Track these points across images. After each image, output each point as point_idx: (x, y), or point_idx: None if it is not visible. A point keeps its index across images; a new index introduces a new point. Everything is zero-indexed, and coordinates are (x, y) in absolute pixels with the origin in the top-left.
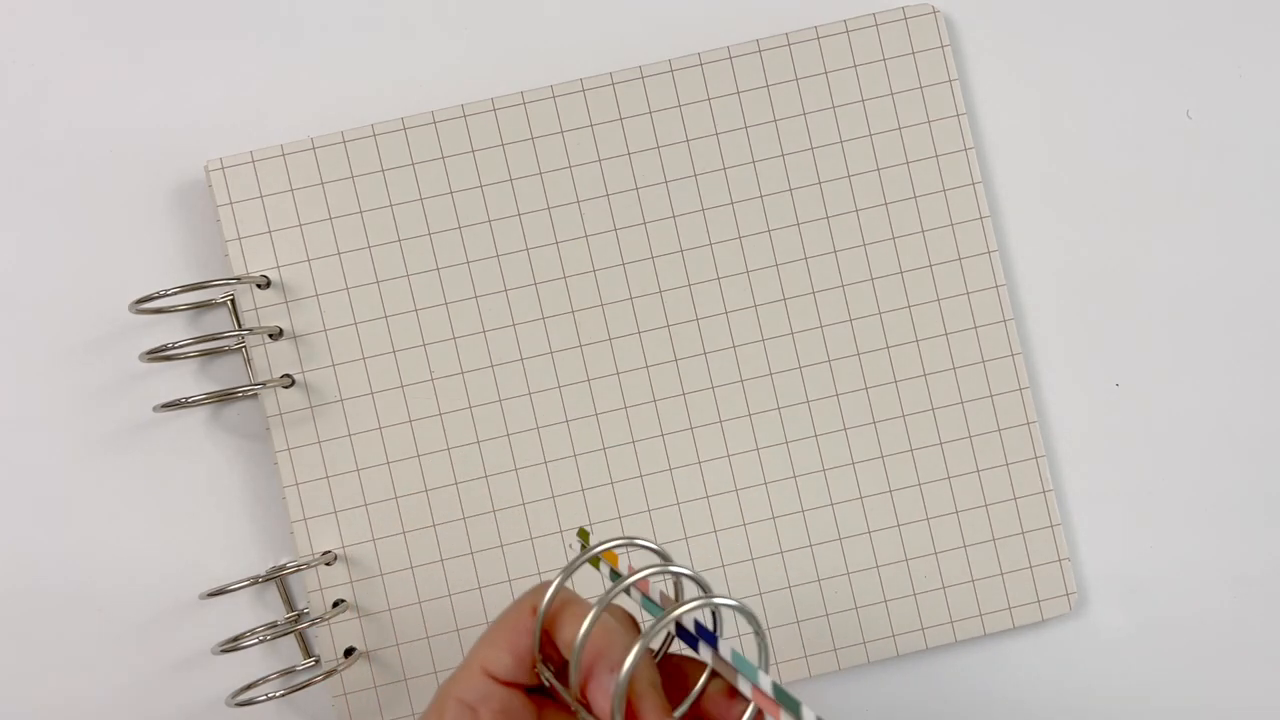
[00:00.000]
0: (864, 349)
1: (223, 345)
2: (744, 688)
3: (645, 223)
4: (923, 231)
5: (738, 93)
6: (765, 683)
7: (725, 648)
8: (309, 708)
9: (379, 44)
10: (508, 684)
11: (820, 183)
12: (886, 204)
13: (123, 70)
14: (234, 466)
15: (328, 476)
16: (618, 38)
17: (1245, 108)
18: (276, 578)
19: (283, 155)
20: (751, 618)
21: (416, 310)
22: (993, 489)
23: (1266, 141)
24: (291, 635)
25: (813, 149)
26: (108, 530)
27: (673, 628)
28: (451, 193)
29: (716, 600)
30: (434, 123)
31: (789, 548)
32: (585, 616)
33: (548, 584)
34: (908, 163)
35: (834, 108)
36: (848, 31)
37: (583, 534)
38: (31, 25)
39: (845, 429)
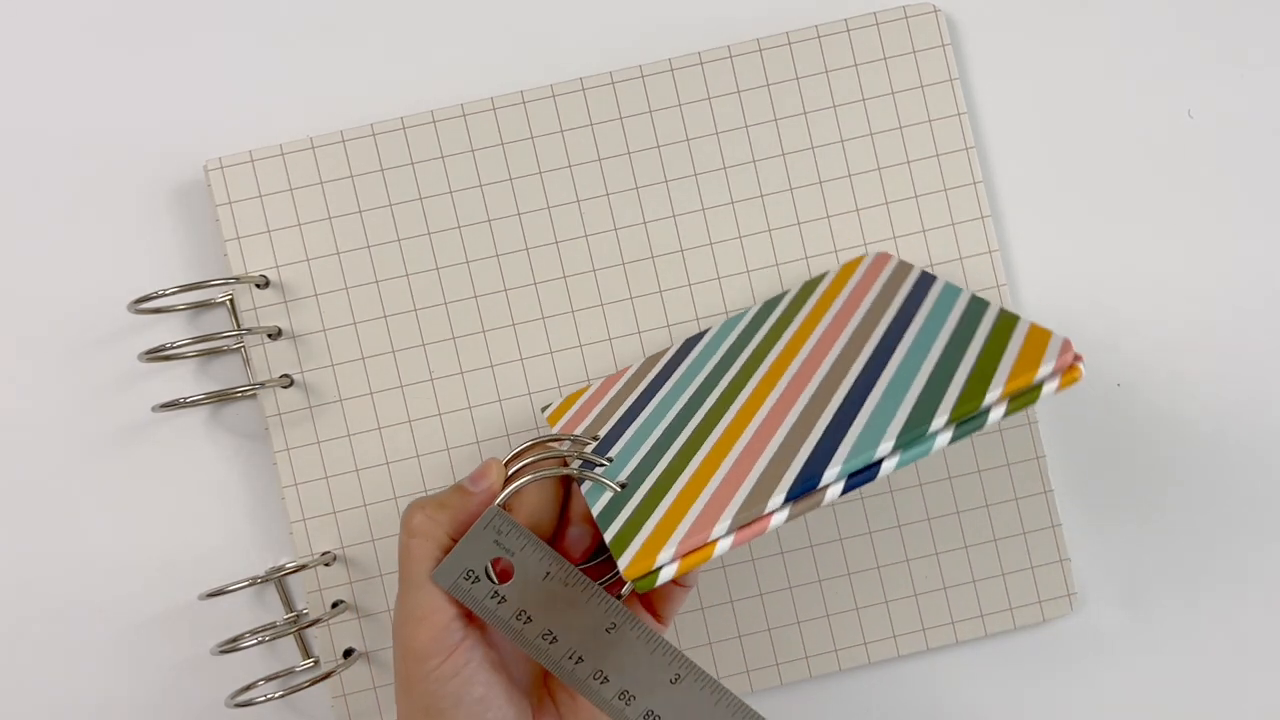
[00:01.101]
0: None
1: (221, 345)
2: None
3: (645, 222)
4: (924, 231)
5: (738, 92)
6: (596, 509)
7: (585, 488)
8: (308, 709)
9: (378, 43)
10: None
11: (821, 182)
12: (888, 203)
13: (123, 70)
14: (233, 467)
15: (327, 477)
16: (618, 38)
17: (1247, 107)
18: (275, 578)
19: (281, 155)
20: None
21: (416, 310)
22: (993, 489)
23: (1268, 141)
24: (290, 636)
25: (813, 148)
26: (107, 530)
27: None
28: (451, 192)
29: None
30: (433, 122)
31: (789, 548)
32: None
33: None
34: (909, 162)
35: (835, 107)
36: (848, 30)
37: (544, 408)
38: (32, 25)
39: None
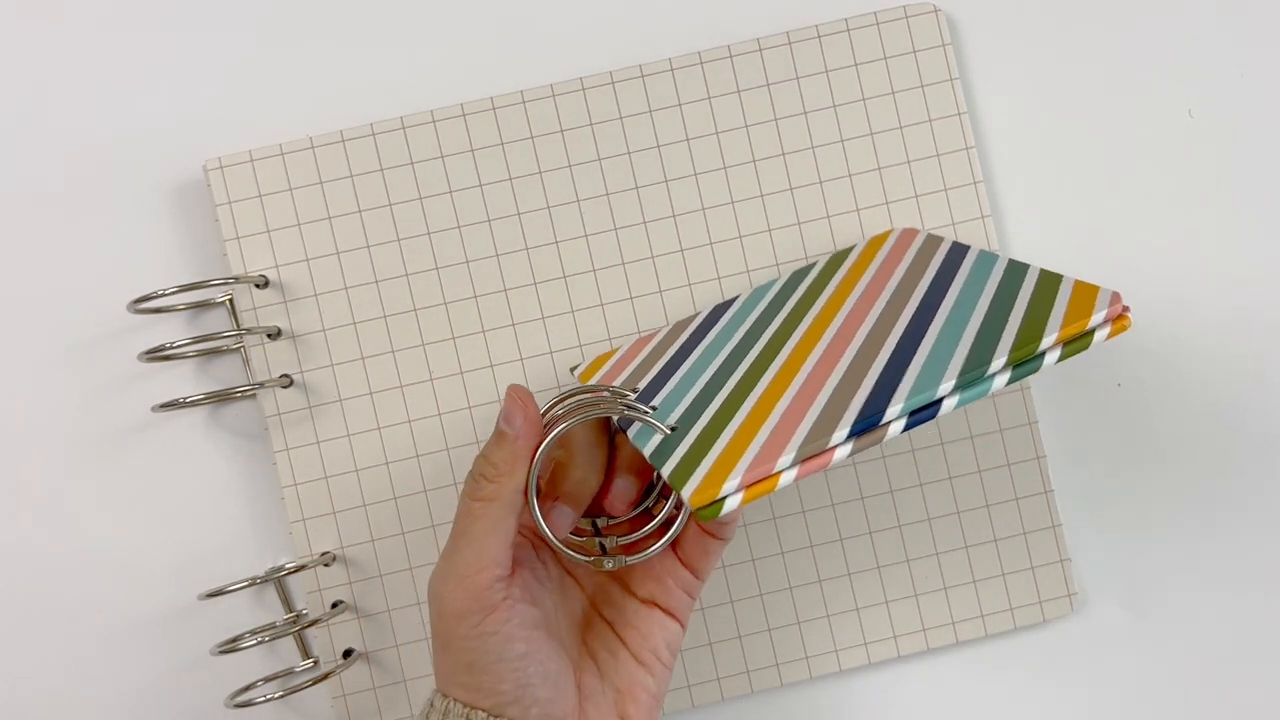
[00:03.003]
0: None
1: (221, 345)
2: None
3: (645, 222)
4: (924, 231)
5: (738, 92)
6: (647, 450)
7: (632, 432)
8: (308, 709)
9: (378, 43)
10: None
11: (821, 182)
12: (888, 203)
13: (122, 70)
14: (232, 467)
15: (326, 477)
16: (618, 38)
17: (1247, 107)
18: (275, 579)
19: (281, 154)
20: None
21: (415, 310)
22: (994, 489)
23: (1268, 140)
24: (290, 636)
25: (813, 148)
26: (107, 530)
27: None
28: (451, 192)
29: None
30: (433, 121)
31: (790, 548)
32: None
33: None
34: (909, 162)
35: (835, 106)
36: (849, 30)
37: (573, 369)
38: (31, 25)
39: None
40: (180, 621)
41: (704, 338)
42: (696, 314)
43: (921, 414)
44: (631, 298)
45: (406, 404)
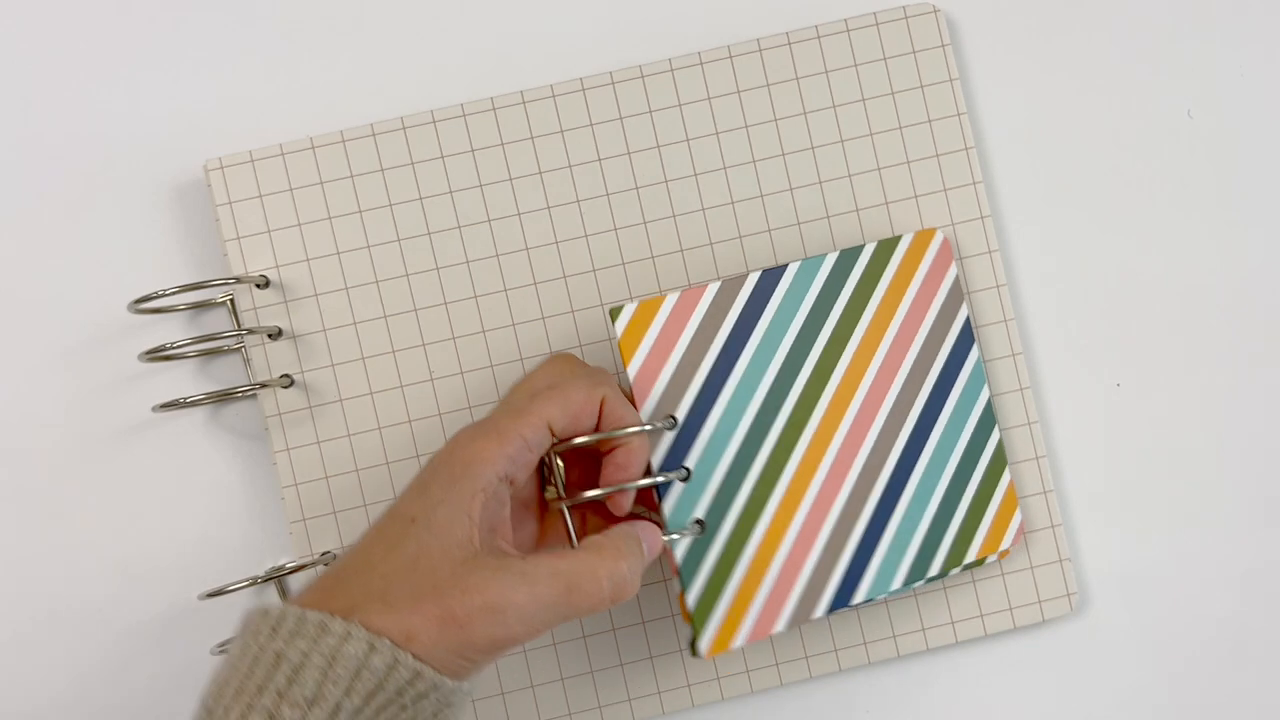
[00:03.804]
0: None
1: (222, 345)
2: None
3: (645, 222)
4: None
5: (738, 92)
6: (680, 554)
7: (670, 507)
8: None
9: (378, 43)
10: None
11: (821, 182)
12: (887, 203)
13: (122, 70)
14: (233, 467)
15: (326, 477)
16: (618, 38)
17: (1247, 107)
18: (275, 578)
19: (281, 155)
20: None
21: (416, 310)
22: None
23: (1268, 141)
24: None
25: (813, 148)
26: (107, 530)
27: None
28: (451, 192)
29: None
30: (433, 122)
31: None
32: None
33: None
34: (908, 162)
35: (834, 107)
36: (848, 30)
37: (614, 313)
38: (31, 25)
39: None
40: (180, 621)
41: (749, 336)
42: (748, 275)
43: (867, 602)
44: (631, 298)
45: (407, 404)
